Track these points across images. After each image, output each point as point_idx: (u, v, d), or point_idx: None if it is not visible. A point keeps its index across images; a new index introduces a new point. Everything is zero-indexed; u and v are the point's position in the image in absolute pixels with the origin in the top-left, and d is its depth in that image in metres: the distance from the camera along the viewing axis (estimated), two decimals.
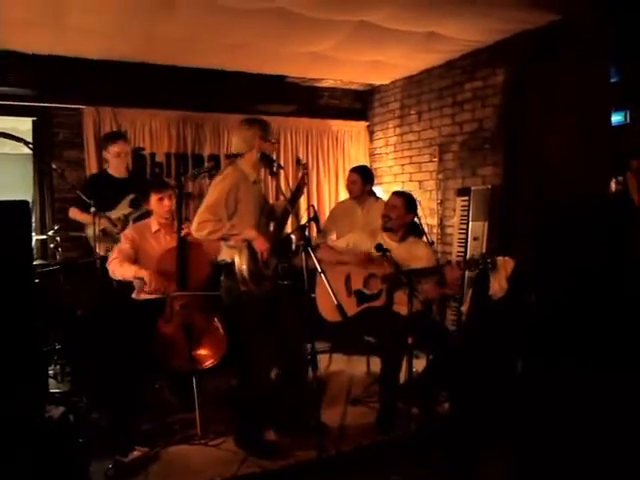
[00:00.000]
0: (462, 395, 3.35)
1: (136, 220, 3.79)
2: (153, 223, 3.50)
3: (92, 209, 3.58)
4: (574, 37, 3.88)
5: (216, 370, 3.29)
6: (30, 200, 4.83)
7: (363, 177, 4.53)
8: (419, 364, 3.46)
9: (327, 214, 5.18)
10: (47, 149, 4.84)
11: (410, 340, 2.88)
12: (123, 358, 3.10)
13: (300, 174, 3.39)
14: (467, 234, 4.68)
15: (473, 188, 4.74)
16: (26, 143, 3.47)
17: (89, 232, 3.87)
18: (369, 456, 2.95)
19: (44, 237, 4.34)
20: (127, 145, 4.26)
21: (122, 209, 3.95)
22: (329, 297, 2.55)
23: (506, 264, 3.21)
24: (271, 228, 3.18)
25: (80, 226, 4.11)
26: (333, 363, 4.27)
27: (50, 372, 3.90)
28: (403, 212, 3.47)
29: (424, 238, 3.84)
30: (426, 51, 4.75)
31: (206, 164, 5.30)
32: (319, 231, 4.72)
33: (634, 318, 2.62)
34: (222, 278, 3.04)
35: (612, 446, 2.42)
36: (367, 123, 6.31)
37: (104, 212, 3.78)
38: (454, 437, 3.01)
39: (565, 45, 3.96)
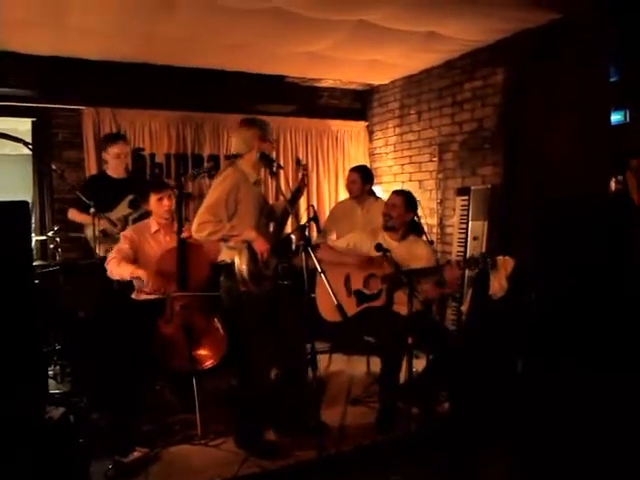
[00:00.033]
0: (462, 395, 3.35)
1: (135, 221, 3.79)
2: (153, 223, 3.50)
3: (92, 210, 3.58)
4: (575, 36, 3.88)
5: (216, 370, 3.29)
6: (30, 201, 4.82)
7: (363, 176, 4.53)
8: (419, 364, 3.46)
9: (327, 214, 5.18)
10: (47, 150, 4.85)
11: (410, 340, 2.87)
12: (123, 359, 3.10)
13: (300, 175, 3.39)
14: (467, 234, 4.68)
15: (473, 188, 4.74)
16: (25, 144, 3.47)
17: (88, 233, 3.88)
18: (369, 456, 2.95)
19: (44, 238, 4.34)
20: (127, 146, 4.27)
21: (121, 210, 3.95)
22: (329, 297, 2.55)
23: (506, 263, 3.21)
24: (271, 229, 3.18)
25: (80, 227, 4.11)
26: (333, 363, 4.27)
27: (50, 373, 3.90)
28: (403, 210, 3.48)
29: (424, 237, 3.83)
30: (426, 51, 4.74)
31: (206, 164, 5.30)
32: (319, 231, 4.73)
33: (634, 317, 2.62)
34: (222, 279, 3.04)
35: (612, 446, 2.42)
36: (367, 123, 6.31)
37: (103, 213, 3.78)
38: (454, 437, 3.00)
39: (566, 44, 3.96)
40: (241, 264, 2.88)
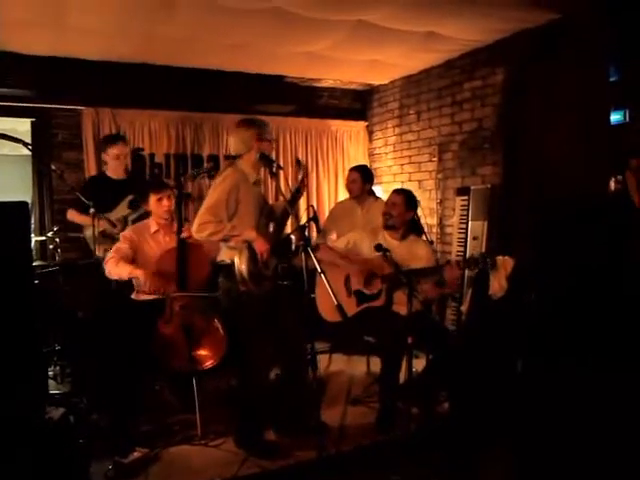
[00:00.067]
0: (462, 395, 3.35)
1: (135, 221, 3.79)
2: (152, 224, 3.50)
3: (91, 210, 3.58)
4: (574, 36, 3.88)
5: (216, 371, 3.29)
6: (29, 201, 4.83)
7: (363, 176, 4.53)
8: (419, 364, 3.46)
9: (326, 214, 5.18)
10: (46, 150, 4.84)
11: (410, 340, 2.88)
12: (122, 359, 3.10)
13: (300, 176, 3.38)
14: (467, 233, 4.68)
15: (472, 187, 4.74)
16: (25, 144, 3.46)
17: (88, 233, 3.88)
18: (369, 456, 2.95)
19: (43, 238, 4.34)
20: (126, 147, 4.26)
21: (121, 211, 3.95)
22: (329, 297, 2.55)
23: (506, 263, 3.21)
24: (271, 229, 3.18)
25: (79, 227, 4.11)
26: (333, 363, 4.27)
27: (50, 373, 3.90)
28: (403, 209, 3.48)
29: (424, 237, 3.83)
30: (425, 51, 4.74)
31: (205, 165, 5.30)
32: (319, 231, 4.72)
33: (634, 317, 2.62)
34: (221, 279, 3.04)
35: (612, 445, 2.42)
36: (366, 123, 6.31)
37: (103, 214, 3.78)
38: (454, 437, 3.01)
39: (565, 44, 3.96)
40: (241, 264, 2.88)
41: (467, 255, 4.52)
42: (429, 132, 5.41)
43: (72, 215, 4.10)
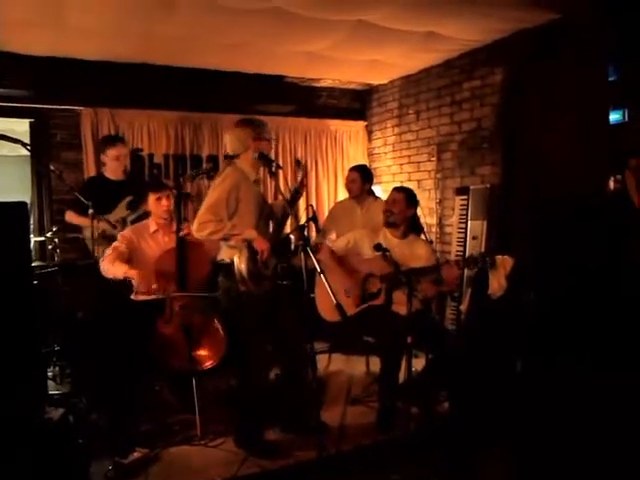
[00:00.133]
0: (461, 395, 3.35)
1: (134, 222, 3.78)
2: (151, 224, 3.50)
3: (90, 211, 3.57)
4: (573, 36, 3.88)
5: (216, 371, 3.29)
6: (28, 202, 4.82)
7: (362, 176, 4.53)
8: (418, 364, 3.46)
9: (326, 214, 5.18)
10: (45, 151, 4.84)
11: (409, 340, 2.88)
12: (122, 359, 3.10)
13: (299, 176, 3.38)
14: (466, 233, 4.69)
15: (472, 187, 4.74)
16: (23, 145, 3.46)
17: (87, 234, 3.87)
18: (369, 456, 2.95)
19: (42, 238, 4.33)
20: (125, 148, 4.26)
21: (120, 212, 3.94)
22: (328, 297, 2.55)
23: (505, 263, 3.21)
24: (270, 228, 3.18)
25: (78, 228, 4.11)
26: (332, 363, 4.27)
27: (49, 374, 3.90)
28: (404, 206, 3.48)
29: (422, 236, 3.83)
30: (425, 50, 4.74)
31: (204, 165, 5.29)
32: (318, 231, 4.72)
33: (633, 317, 2.62)
34: (220, 278, 3.04)
35: (611, 445, 2.42)
36: (365, 123, 6.31)
37: (102, 215, 3.77)
38: (453, 437, 3.01)
39: (564, 44, 3.96)
40: (240, 263, 2.88)
41: (466, 254, 4.52)
42: (428, 132, 5.41)
43: (70, 216, 4.09)
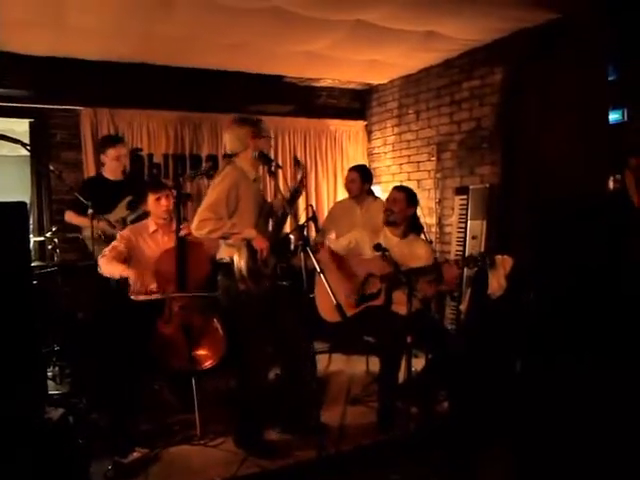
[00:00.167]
0: (461, 394, 3.35)
1: (134, 222, 3.78)
2: (151, 224, 3.50)
3: (90, 211, 3.57)
4: (573, 36, 3.88)
5: (215, 371, 3.29)
6: (28, 202, 4.82)
7: (362, 175, 4.53)
8: (418, 363, 3.46)
9: (325, 214, 5.18)
10: (44, 151, 4.83)
11: (409, 339, 2.88)
12: (122, 359, 3.10)
13: (299, 176, 3.38)
14: (465, 233, 4.69)
15: (471, 187, 4.74)
16: (23, 145, 3.46)
17: (86, 234, 3.87)
18: (369, 456, 2.95)
19: (42, 239, 4.34)
20: (124, 148, 4.26)
21: (119, 212, 3.94)
22: (328, 297, 2.55)
23: (505, 262, 3.21)
24: (270, 227, 3.18)
25: (77, 228, 4.11)
26: (332, 363, 4.27)
27: (49, 374, 3.89)
28: (405, 205, 3.48)
29: (422, 236, 3.83)
30: (424, 50, 4.74)
31: (204, 165, 5.28)
32: (318, 231, 4.72)
33: (632, 316, 2.62)
34: (220, 278, 3.04)
35: (611, 444, 2.42)
36: (365, 122, 6.30)
37: (102, 215, 3.77)
38: (453, 436, 3.01)
39: (564, 43, 3.96)
40: (240, 262, 2.88)
41: (466, 254, 4.52)
42: (428, 131, 5.41)
43: (70, 217, 4.09)
